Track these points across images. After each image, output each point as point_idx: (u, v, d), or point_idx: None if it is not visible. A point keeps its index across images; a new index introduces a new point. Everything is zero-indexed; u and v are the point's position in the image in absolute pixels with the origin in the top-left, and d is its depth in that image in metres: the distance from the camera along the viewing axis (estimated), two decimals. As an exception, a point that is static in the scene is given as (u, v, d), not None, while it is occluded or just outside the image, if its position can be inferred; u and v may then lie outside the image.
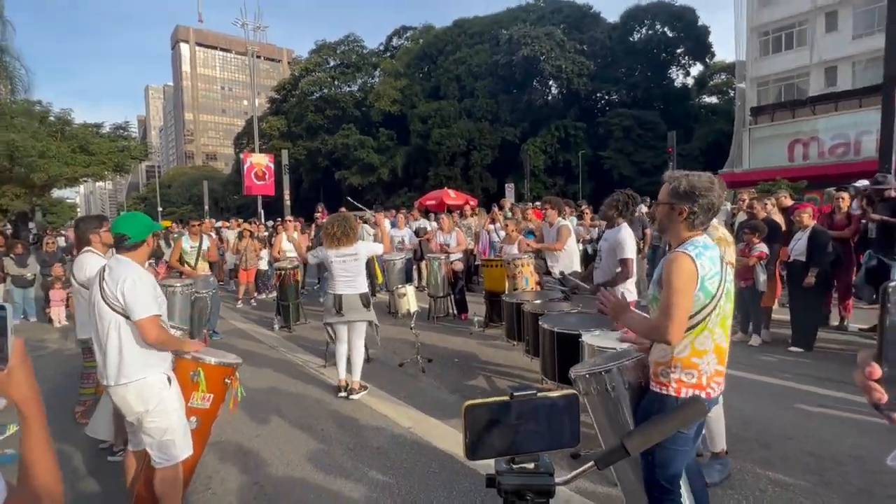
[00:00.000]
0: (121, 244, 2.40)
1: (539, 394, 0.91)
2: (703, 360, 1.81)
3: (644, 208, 8.57)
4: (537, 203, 11.32)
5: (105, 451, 3.35)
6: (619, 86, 37.94)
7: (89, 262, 3.31)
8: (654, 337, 1.83)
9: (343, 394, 4.32)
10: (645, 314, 2.00)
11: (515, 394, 0.90)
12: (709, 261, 1.77)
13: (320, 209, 12.93)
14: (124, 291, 2.24)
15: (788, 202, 6.92)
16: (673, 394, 1.82)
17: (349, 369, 4.39)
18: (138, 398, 2.28)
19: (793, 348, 5.15)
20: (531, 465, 0.91)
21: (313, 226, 11.83)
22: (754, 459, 3.06)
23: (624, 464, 2.01)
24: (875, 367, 0.70)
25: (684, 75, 39.89)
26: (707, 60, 38.88)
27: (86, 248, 3.42)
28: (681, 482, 1.87)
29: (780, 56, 25.12)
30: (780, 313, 6.09)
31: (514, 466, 0.91)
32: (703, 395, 1.81)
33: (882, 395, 0.70)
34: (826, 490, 2.73)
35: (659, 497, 1.85)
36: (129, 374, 2.28)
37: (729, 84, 36.38)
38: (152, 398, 2.30)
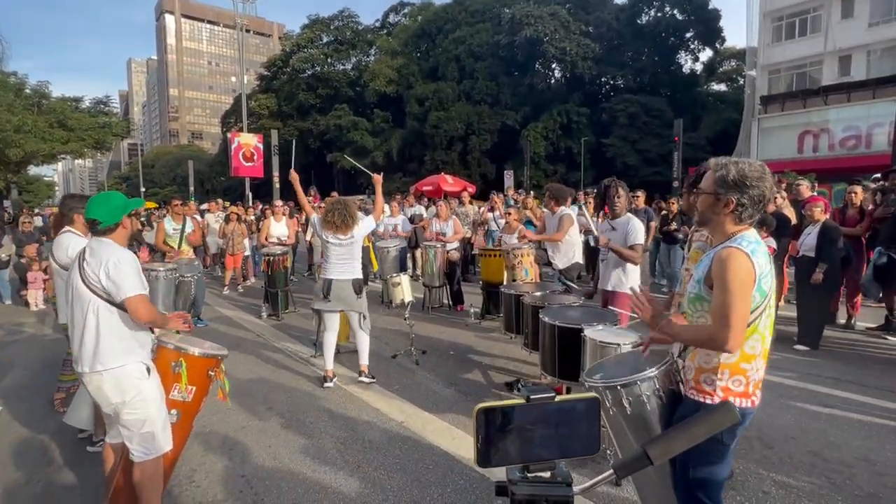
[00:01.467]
0: (94, 229, 2.27)
1: (557, 398, 0.84)
2: (751, 365, 1.67)
3: (642, 198, 8.35)
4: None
5: (84, 441, 3.25)
6: (625, 70, 37.18)
7: (69, 243, 3.18)
8: (709, 347, 1.65)
9: (329, 384, 4.22)
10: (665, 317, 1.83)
11: (532, 396, 0.83)
12: (763, 257, 1.63)
13: (312, 193, 12.71)
14: (109, 272, 2.13)
15: (807, 194, 6.62)
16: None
17: (334, 353, 4.30)
18: (115, 388, 2.18)
19: (798, 346, 5.03)
20: (547, 474, 0.85)
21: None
22: (756, 460, 2.98)
23: (649, 481, 1.88)
24: None
25: (693, 61, 39.19)
26: (717, 46, 38.07)
27: (66, 229, 3.29)
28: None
29: (792, 43, 24.55)
30: (787, 310, 5.97)
31: (529, 475, 0.84)
32: (749, 404, 1.68)
33: None
34: (832, 493, 2.66)
35: None
36: (105, 360, 2.16)
37: (739, 71, 35.71)
38: (130, 389, 2.19)
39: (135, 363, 2.23)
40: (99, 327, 2.18)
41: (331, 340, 4.31)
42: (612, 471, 0.87)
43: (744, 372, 1.67)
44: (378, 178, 5.48)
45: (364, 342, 4.30)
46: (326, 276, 4.19)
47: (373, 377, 4.30)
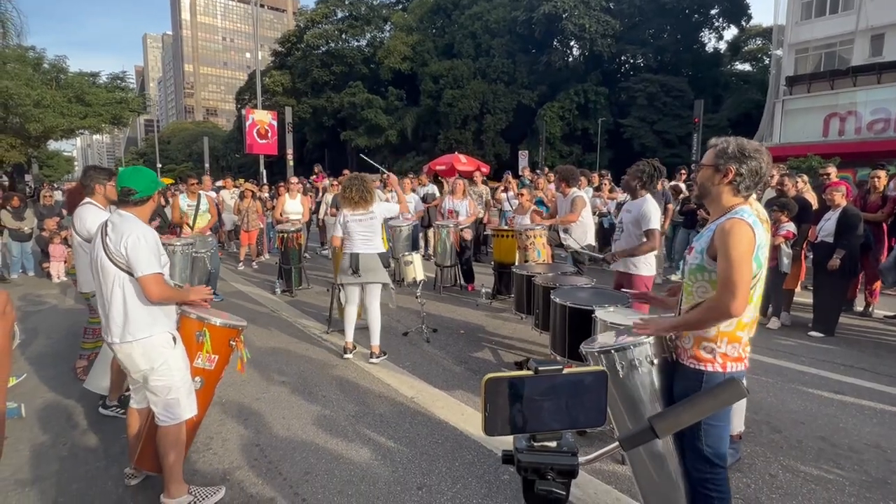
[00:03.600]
0: (127, 198, 2.32)
1: (565, 370, 0.85)
2: (745, 332, 1.78)
3: (667, 182, 8.22)
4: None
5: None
6: (645, 48, 35.99)
7: (90, 215, 3.25)
8: (717, 317, 1.72)
9: (349, 355, 4.35)
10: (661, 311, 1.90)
11: (540, 368, 0.84)
12: (760, 229, 1.71)
13: (317, 170, 12.70)
14: (128, 247, 2.19)
15: (834, 178, 6.41)
16: (719, 369, 1.76)
17: (360, 328, 4.40)
18: (144, 356, 2.27)
19: (813, 333, 4.97)
20: (553, 444, 0.87)
21: (315, 189, 11.63)
22: (764, 443, 2.99)
23: (645, 457, 1.92)
24: None
25: (717, 39, 37.76)
26: (743, 24, 36.59)
27: (86, 200, 3.35)
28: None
29: (822, 21, 23.46)
30: (803, 296, 5.88)
31: (536, 444, 0.87)
32: (742, 367, 1.80)
33: None
34: (839, 477, 2.66)
35: (712, 478, 1.80)
36: (134, 331, 2.25)
37: (764, 50, 34.41)
38: (157, 357, 2.28)
39: (161, 333, 2.31)
40: (126, 299, 2.25)
41: (352, 315, 4.43)
42: (617, 443, 0.89)
43: (738, 339, 1.77)
44: (393, 179, 5.50)
45: (376, 322, 4.35)
46: (352, 250, 4.25)
47: (384, 353, 4.37)
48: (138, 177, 2.35)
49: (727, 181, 1.76)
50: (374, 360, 4.28)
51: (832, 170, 6.43)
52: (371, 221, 4.23)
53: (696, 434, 1.77)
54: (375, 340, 4.33)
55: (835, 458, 2.84)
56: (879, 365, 4.20)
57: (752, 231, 1.66)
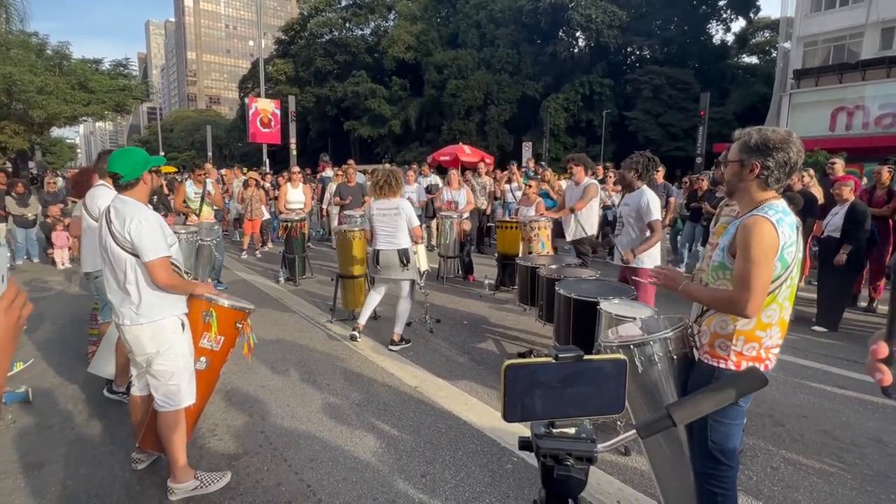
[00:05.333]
0: (116, 183, 2.32)
1: (585, 357, 0.85)
2: (766, 333, 1.70)
3: (661, 173, 8.14)
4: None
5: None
6: (652, 40, 35.64)
7: (104, 196, 3.26)
8: (728, 310, 1.68)
9: (356, 333, 4.46)
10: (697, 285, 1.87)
11: (560, 355, 0.84)
12: (789, 227, 1.63)
13: (325, 159, 12.64)
14: (131, 232, 2.19)
15: (841, 172, 6.36)
16: (732, 367, 1.72)
17: (373, 316, 4.51)
18: (152, 339, 2.29)
19: (816, 328, 4.97)
20: (572, 430, 0.88)
21: (319, 176, 11.58)
22: (767, 436, 3.00)
23: (662, 446, 1.92)
24: (881, 347, 0.67)
25: (724, 31, 37.36)
26: (751, 16, 36.15)
27: (100, 182, 3.39)
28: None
29: (832, 13, 23.16)
30: (807, 291, 5.86)
31: (555, 431, 0.87)
32: (762, 367, 1.72)
33: (885, 376, 0.68)
34: (841, 471, 2.67)
35: (716, 474, 1.78)
36: (146, 313, 2.26)
37: (772, 43, 33.98)
38: (165, 341, 2.30)
39: (172, 317, 2.32)
40: (139, 282, 2.26)
41: (373, 300, 4.56)
42: (634, 430, 0.89)
43: (759, 339, 1.70)
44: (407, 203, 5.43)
45: (401, 313, 4.39)
46: (375, 246, 4.36)
47: (406, 341, 4.43)
48: (123, 160, 2.29)
49: (754, 176, 1.68)
50: (392, 348, 4.34)
51: (839, 161, 6.35)
52: (395, 218, 4.27)
53: (703, 429, 1.76)
54: (398, 328, 4.39)
55: (837, 451, 2.85)
56: (883, 360, 4.20)
57: (774, 230, 1.59)
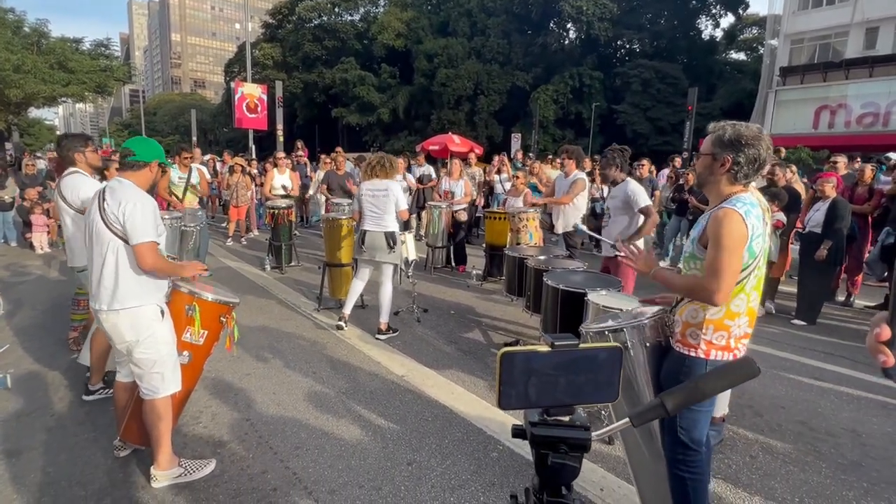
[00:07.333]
0: (124, 160, 2.29)
1: (581, 345, 0.86)
2: (735, 322, 1.76)
3: (649, 166, 8.25)
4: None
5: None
6: (642, 34, 35.69)
7: (81, 184, 3.16)
8: (698, 297, 1.73)
9: (342, 323, 4.45)
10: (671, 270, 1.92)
11: (556, 343, 0.85)
12: (756, 219, 1.69)
13: (300, 146, 12.48)
14: (125, 213, 2.15)
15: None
16: (702, 356, 1.77)
17: (360, 305, 4.48)
18: (130, 327, 2.24)
19: (796, 321, 5.08)
20: (566, 418, 0.88)
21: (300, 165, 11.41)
22: (746, 426, 3.07)
23: (634, 434, 1.97)
24: (885, 329, 0.69)
25: (713, 27, 37.57)
26: (740, 12, 36.40)
27: (71, 169, 3.26)
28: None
29: (819, 11, 23.45)
30: (788, 285, 5.99)
31: (549, 418, 0.88)
32: (731, 357, 1.78)
33: (889, 358, 0.69)
34: (816, 460, 2.75)
35: (685, 460, 1.83)
36: (122, 300, 2.22)
37: (760, 40, 34.25)
38: (144, 329, 2.25)
39: (150, 304, 2.28)
40: (118, 267, 2.22)
41: (357, 288, 4.52)
42: (627, 419, 0.90)
43: (727, 328, 1.75)
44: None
45: (384, 301, 4.37)
46: (362, 227, 4.34)
47: (394, 330, 4.42)
48: (139, 142, 2.37)
49: (725, 170, 1.74)
50: (380, 337, 4.32)
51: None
52: (384, 199, 4.24)
53: (672, 417, 1.81)
54: (384, 318, 4.37)
55: (812, 441, 2.94)
56: (858, 353, 4.32)
57: (743, 223, 1.65)
